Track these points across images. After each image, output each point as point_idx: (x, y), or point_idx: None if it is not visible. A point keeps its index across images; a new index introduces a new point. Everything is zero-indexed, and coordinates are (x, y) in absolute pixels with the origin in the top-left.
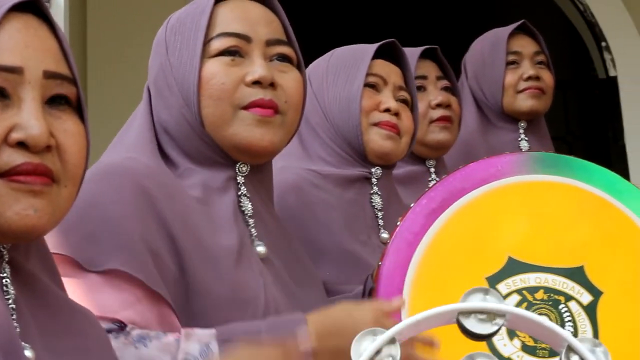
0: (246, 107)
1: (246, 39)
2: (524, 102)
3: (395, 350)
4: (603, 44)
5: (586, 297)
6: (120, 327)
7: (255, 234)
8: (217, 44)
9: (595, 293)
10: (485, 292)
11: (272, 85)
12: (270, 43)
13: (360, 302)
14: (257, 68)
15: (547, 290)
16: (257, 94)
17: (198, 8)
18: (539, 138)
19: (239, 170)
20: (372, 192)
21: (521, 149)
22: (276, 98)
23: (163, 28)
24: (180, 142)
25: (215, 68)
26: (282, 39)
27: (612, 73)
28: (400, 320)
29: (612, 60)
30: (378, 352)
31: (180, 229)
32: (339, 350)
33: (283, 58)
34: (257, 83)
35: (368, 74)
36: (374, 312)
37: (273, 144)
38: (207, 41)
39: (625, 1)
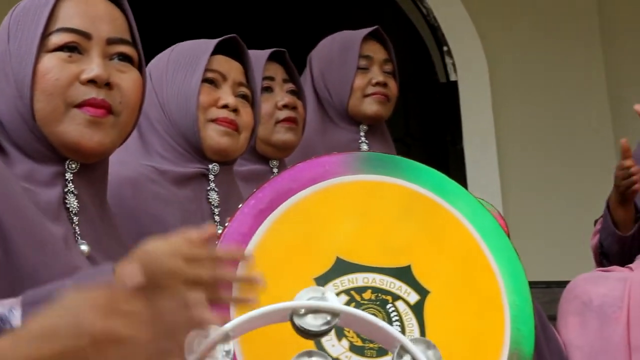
0: (78, 106)
1: (86, 35)
2: (370, 107)
3: (229, 346)
4: (445, 48)
5: (413, 297)
6: None
7: (79, 232)
8: (56, 39)
9: (422, 292)
10: (320, 291)
11: (108, 85)
12: (111, 41)
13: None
14: (93, 67)
15: (375, 290)
16: (91, 93)
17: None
18: (380, 141)
19: (68, 167)
20: (209, 188)
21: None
22: (110, 98)
23: (9, 15)
24: (11, 132)
25: (51, 63)
26: (124, 38)
27: (452, 77)
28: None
29: (453, 64)
30: (212, 348)
31: (6, 211)
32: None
33: (123, 57)
34: (92, 82)
35: (207, 70)
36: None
37: (102, 145)
38: (47, 35)
39: (468, 7)
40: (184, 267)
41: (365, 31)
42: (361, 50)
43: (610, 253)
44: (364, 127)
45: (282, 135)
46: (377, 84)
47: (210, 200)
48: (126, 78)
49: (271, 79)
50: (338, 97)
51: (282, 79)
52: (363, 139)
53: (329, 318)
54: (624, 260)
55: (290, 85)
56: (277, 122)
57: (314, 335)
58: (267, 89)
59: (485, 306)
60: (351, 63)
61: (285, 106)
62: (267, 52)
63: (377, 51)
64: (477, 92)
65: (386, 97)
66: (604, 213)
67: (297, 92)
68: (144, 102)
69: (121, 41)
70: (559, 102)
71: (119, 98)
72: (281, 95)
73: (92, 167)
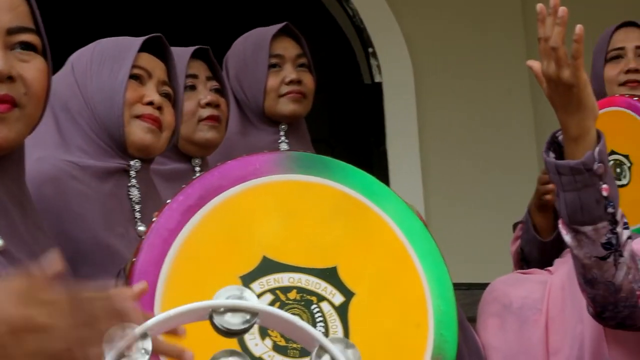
0: None
1: None
2: (286, 107)
3: (148, 343)
4: (370, 49)
5: (338, 298)
6: None
7: None
8: None
9: (348, 294)
10: (240, 290)
11: (11, 78)
12: (12, 31)
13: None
14: None
15: (300, 290)
16: None
17: None
18: (299, 139)
19: None
20: (130, 184)
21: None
22: (13, 91)
23: None
24: None
25: None
26: (25, 26)
27: (377, 79)
28: (151, 314)
29: (378, 66)
30: (131, 345)
31: None
32: None
33: (26, 46)
34: None
35: (133, 66)
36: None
37: (8, 141)
38: None
39: (394, 8)
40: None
41: (274, 29)
42: (272, 48)
43: (531, 259)
44: (283, 127)
45: (205, 133)
46: (291, 82)
47: (131, 196)
48: (30, 67)
49: (195, 76)
50: (254, 99)
51: (206, 76)
52: (283, 138)
53: (248, 317)
54: (544, 266)
55: (213, 83)
56: (200, 120)
57: (233, 334)
58: (191, 87)
59: (409, 310)
60: (262, 63)
61: (208, 104)
62: (191, 49)
63: (288, 47)
64: (402, 94)
65: (302, 94)
66: (525, 218)
67: (221, 90)
68: (51, 89)
69: (23, 29)
70: (483, 106)
71: (23, 89)
72: (204, 93)
73: (4, 160)
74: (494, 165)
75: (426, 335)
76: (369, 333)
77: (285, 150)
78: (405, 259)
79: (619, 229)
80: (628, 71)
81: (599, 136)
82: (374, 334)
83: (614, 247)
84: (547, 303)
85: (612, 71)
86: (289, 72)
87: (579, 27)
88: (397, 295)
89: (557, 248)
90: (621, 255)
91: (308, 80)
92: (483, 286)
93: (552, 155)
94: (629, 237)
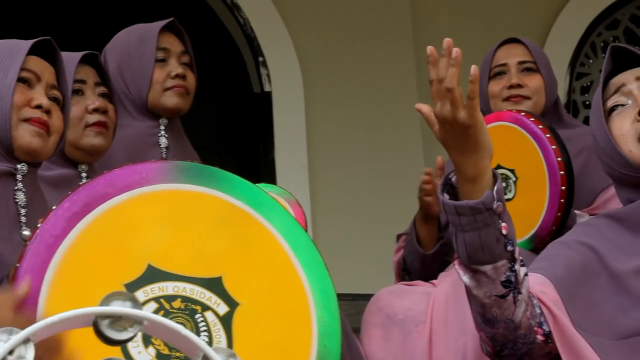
0: None
1: None
2: (170, 99)
3: (29, 351)
4: (260, 58)
5: (223, 308)
6: None
7: None
8: None
9: (232, 304)
10: (124, 297)
11: None
12: None
13: None
14: None
15: (185, 299)
16: None
17: None
18: (177, 135)
19: None
20: (16, 188)
21: (160, 145)
22: None
23: None
24: None
25: None
26: None
27: (267, 88)
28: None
29: (268, 75)
30: (11, 351)
31: None
32: None
33: None
34: None
35: (22, 69)
36: None
37: None
38: None
39: (284, 18)
40: None
41: (161, 23)
42: (159, 42)
43: (413, 270)
44: (164, 121)
45: (92, 139)
46: (177, 76)
47: (17, 200)
48: None
49: (82, 82)
50: (137, 90)
51: (94, 82)
52: (163, 132)
53: (132, 325)
54: (425, 278)
55: (102, 89)
56: (87, 125)
57: (117, 342)
58: (78, 92)
59: (293, 321)
60: (149, 56)
61: (95, 110)
62: (80, 54)
63: (174, 43)
64: (291, 103)
65: (185, 89)
66: (409, 230)
67: (109, 96)
68: None
69: None
70: (372, 115)
71: None
72: (92, 99)
73: None
74: (381, 177)
75: (310, 347)
76: (253, 343)
77: (173, 160)
78: (290, 270)
79: (517, 267)
80: (511, 86)
81: (494, 175)
82: (257, 344)
83: (513, 285)
84: (430, 315)
85: (495, 87)
86: (175, 67)
87: (473, 68)
88: (282, 306)
89: (438, 261)
90: (520, 293)
91: (191, 77)
92: (368, 297)
93: (446, 196)
94: (526, 274)
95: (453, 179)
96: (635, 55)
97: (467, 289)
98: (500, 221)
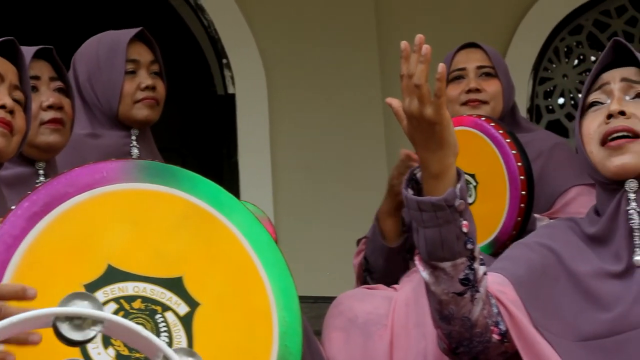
0: None
1: None
2: (140, 112)
3: None
4: (224, 60)
5: (183, 308)
6: None
7: None
8: None
9: (193, 304)
10: (84, 298)
11: None
12: None
13: None
14: None
15: (145, 299)
16: None
17: None
18: (148, 145)
19: None
20: None
21: (132, 155)
22: None
23: None
24: None
25: None
26: None
27: (230, 90)
28: None
29: (232, 77)
30: None
31: None
32: None
33: None
34: None
35: None
36: None
37: None
38: None
39: (249, 20)
40: None
41: (130, 33)
42: (128, 53)
43: (376, 268)
44: (135, 132)
45: (47, 137)
46: (147, 88)
47: None
48: None
49: (37, 78)
50: (107, 103)
51: (49, 77)
52: (134, 143)
53: (91, 325)
54: (388, 276)
55: (57, 84)
56: (42, 123)
57: (76, 343)
58: (33, 88)
59: (254, 321)
60: (118, 68)
61: (50, 107)
62: (33, 49)
63: (143, 53)
64: (254, 105)
65: (155, 100)
66: (372, 227)
67: (65, 90)
68: None
69: None
70: (336, 118)
71: None
72: (47, 95)
73: None
74: (344, 180)
75: (270, 347)
76: (213, 343)
77: (133, 159)
78: (251, 270)
79: (476, 265)
80: (469, 91)
81: (458, 173)
82: (218, 345)
83: (471, 283)
84: (392, 318)
85: (454, 91)
86: (144, 78)
87: (441, 66)
88: (243, 306)
89: (402, 257)
90: (477, 291)
91: (161, 87)
92: (329, 300)
93: (410, 191)
94: (485, 273)
95: (418, 175)
96: (632, 53)
97: (426, 285)
98: (462, 219)
